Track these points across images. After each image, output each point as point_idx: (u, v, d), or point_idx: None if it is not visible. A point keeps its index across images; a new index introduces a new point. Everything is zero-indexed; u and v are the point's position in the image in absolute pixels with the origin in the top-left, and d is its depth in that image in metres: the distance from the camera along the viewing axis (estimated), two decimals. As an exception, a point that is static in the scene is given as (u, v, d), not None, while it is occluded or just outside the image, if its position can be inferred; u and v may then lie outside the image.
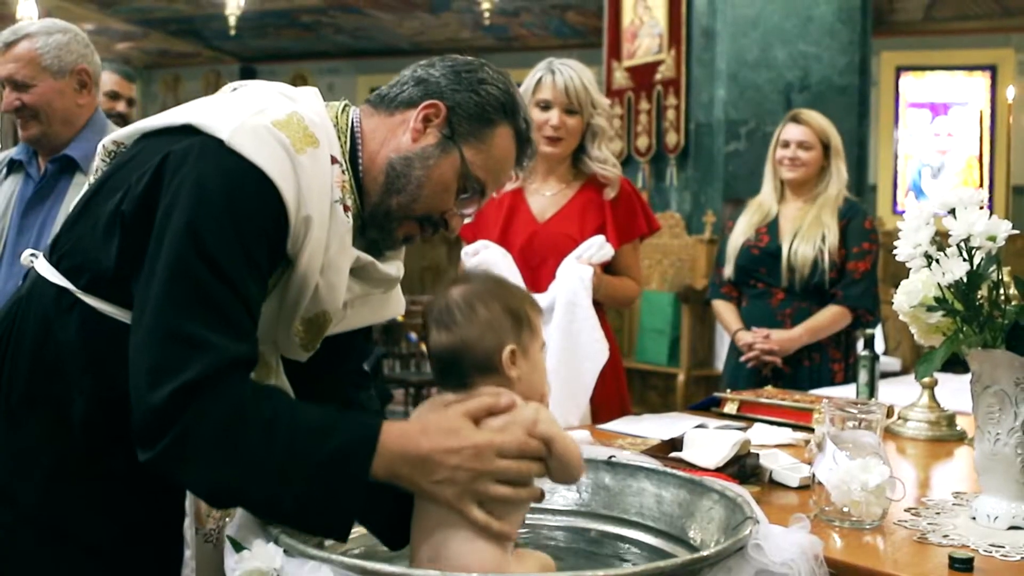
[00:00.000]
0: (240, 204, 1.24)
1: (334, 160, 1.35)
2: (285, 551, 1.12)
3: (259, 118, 1.29)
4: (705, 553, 1.13)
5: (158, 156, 1.28)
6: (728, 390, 2.62)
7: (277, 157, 1.26)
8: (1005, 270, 2.07)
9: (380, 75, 13.27)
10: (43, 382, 1.34)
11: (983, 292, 1.46)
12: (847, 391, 2.79)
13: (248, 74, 13.55)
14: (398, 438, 1.19)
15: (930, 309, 1.48)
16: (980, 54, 11.27)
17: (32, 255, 1.45)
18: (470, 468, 1.18)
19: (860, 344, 2.70)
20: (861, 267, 3.25)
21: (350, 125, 1.43)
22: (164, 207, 1.24)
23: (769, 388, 2.73)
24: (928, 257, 1.46)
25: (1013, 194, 10.95)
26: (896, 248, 1.52)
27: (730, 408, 2.47)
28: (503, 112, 1.42)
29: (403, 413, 7.42)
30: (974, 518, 1.55)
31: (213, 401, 1.16)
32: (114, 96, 3.81)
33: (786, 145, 3.31)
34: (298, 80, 13.43)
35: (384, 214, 1.41)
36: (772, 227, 3.33)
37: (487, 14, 8.25)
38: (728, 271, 3.39)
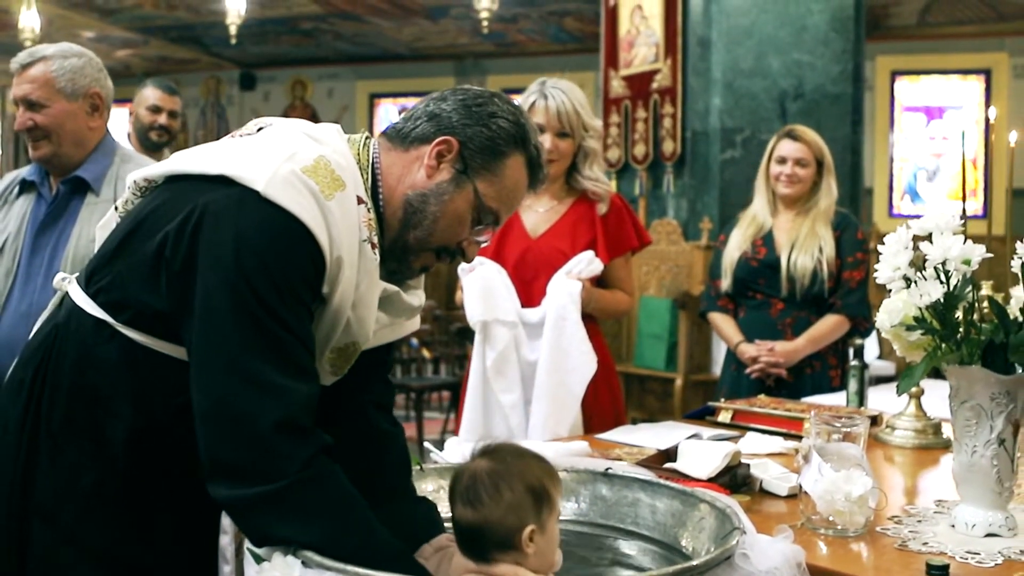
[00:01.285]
0: (283, 252, 1.31)
1: (360, 200, 1.41)
2: (303, 563, 1.19)
3: (289, 164, 1.35)
4: (695, 563, 1.21)
5: (194, 205, 1.34)
6: (722, 399, 2.69)
7: (309, 204, 1.33)
8: (987, 285, 2.15)
9: (379, 80, 13.35)
10: (83, 408, 1.41)
11: (960, 312, 1.54)
12: (840, 398, 2.87)
13: (248, 80, 13.61)
14: None
15: (909, 328, 1.56)
16: (974, 58, 11.35)
17: (64, 279, 1.51)
18: None
19: (851, 352, 2.78)
20: (856, 276, 3.33)
21: (371, 161, 1.48)
22: (211, 258, 1.31)
23: (762, 397, 2.80)
24: (907, 279, 1.54)
25: (1013, 197, 11.05)
26: (877, 269, 1.60)
27: (724, 417, 2.55)
28: (514, 143, 1.48)
29: (404, 417, 7.49)
30: (953, 526, 1.63)
31: (321, 475, 1.26)
32: (156, 110, 3.92)
33: (782, 161, 3.38)
34: (297, 86, 13.50)
35: (402, 248, 1.48)
36: (768, 239, 3.40)
37: (485, 22, 8.32)
38: (725, 284, 3.45)
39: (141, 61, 13.39)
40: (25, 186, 2.56)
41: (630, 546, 1.53)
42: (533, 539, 1.30)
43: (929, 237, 1.52)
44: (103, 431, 1.40)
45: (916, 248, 1.57)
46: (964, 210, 2.44)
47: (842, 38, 5.98)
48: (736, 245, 3.44)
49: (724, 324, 3.48)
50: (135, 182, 1.50)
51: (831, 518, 1.59)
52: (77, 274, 1.51)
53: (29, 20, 8.79)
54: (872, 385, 3.99)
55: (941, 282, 1.51)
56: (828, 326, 3.30)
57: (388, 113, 13.13)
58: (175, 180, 1.43)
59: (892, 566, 1.46)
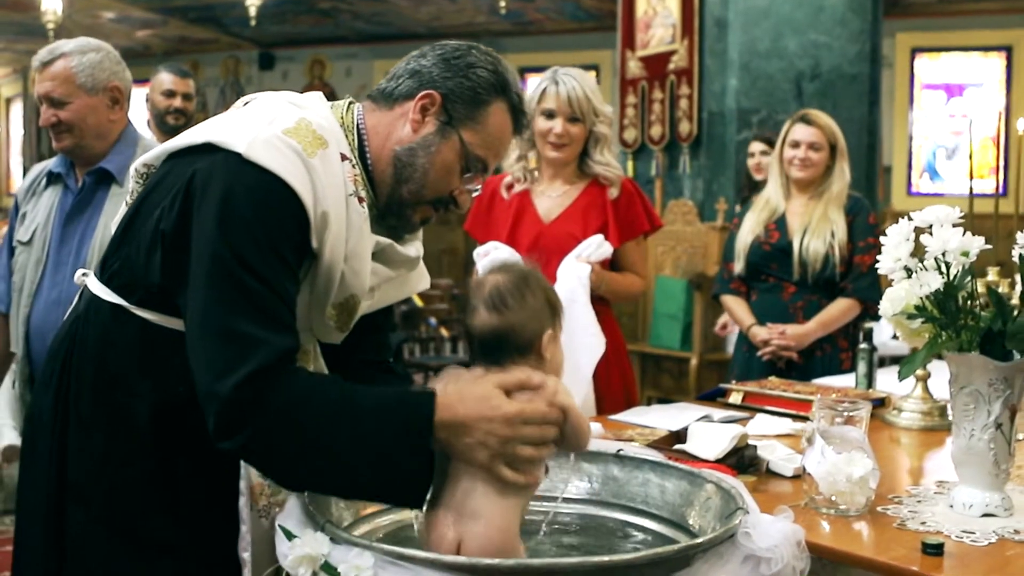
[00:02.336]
0: (265, 210, 1.37)
1: (344, 157, 1.47)
2: (331, 539, 1.27)
3: (270, 128, 1.41)
4: (699, 540, 1.28)
5: (186, 175, 1.41)
6: (733, 381, 2.76)
7: (291, 162, 1.39)
8: (994, 269, 2.20)
9: (397, 60, 13.31)
10: (108, 391, 1.48)
11: (959, 301, 1.60)
12: (849, 380, 2.92)
13: (267, 60, 13.68)
14: (441, 407, 1.33)
15: (910, 317, 1.62)
16: (995, 35, 11.26)
17: (84, 274, 1.59)
18: (501, 434, 1.31)
19: (861, 336, 2.83)
20: (868, 260, 3.37)
21: (355, 122, 1.54)
22: (198, 222, 1.37)
23: (773, 379, 2.87)
24: (908, 270, 1.60)
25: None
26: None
27: (735, 398, 2.62)
28: (494, 91, 1.53)
29: (423, 396, 7.59)
30: (952, 506, 1.69)
31: (278, 392, 1.30)
32: (170, 94, 3.99)
33: (796, 145, 3.42)
34: (316, 66, 13.56)
35: (398, 203, 1.54)
36: (781, 223, 3.45)
37: (503, 1, 8.34)
38: (739, 267, 3.50)
39: (160, 41, 13.47)
40: (52, 178, 2.63)
41: (640, 524, 1.60)
42: (550, 345, 1.39)
43: (929, 229, 1.58)
44: (127, 412, 1.46)
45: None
46: (971, 188, 2.47)
47: (859, 18, 5.98)
48: (749, 229, 3.49)
49: (736, 307, 3.54)
50: (136, 170, 1.58)
51: (833, 498, 1.65)
52: (95, 268, 1.58)
53: (51, 2, 8.87)
54: (887, 365, 4.05)
55: (941, 273, 1.57)
56: (839, 310, 3.35)
57: (406, 92, 13.17)
58: (170, 159, 1.50)
59: (890, 544, 1.53)
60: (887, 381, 2.83)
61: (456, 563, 1.20)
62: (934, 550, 1.45)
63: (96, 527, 1.48)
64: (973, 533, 1.56)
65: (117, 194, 2.50)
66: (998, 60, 11.39)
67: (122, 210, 1.60)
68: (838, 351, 3.41)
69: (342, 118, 1.54)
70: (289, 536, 1.31)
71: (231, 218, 1.35)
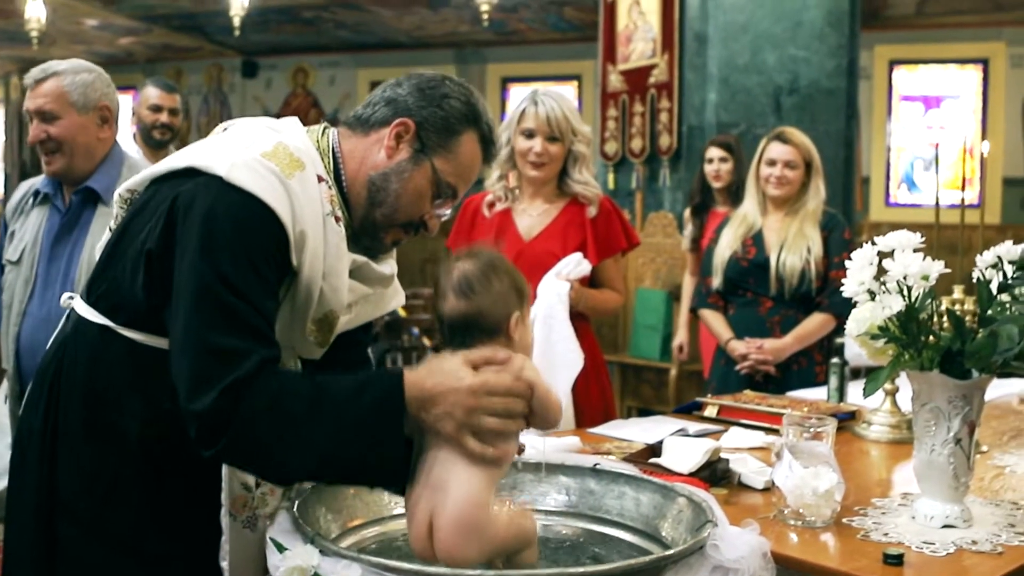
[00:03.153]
0: (245, 229, 1.43)
1: (320, 179, 1.55)
2: (321, 551, 1.33)
3: (249, 152, 1.49)
4: (669, 552, 1.35)
5: (169, 198, 1.47)
6: (709, 395, 2.83)
7: (270, 184, 1.46)
8: (959, 288, 2.28)
9: (380, 68, 13.39)
10: (96, 408, 1.53)
11: (920, 322, 1.67)
12: (824, 392, 3.00)
13: (250, 68, 13.69)
14: (410, 384, 1.40)
15: (874, 337, 1.70)
16: (972, 47, 11.43)
17: (70, 297, 1.65)
18: (465, 404, 1.38)
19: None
20: (843, 276, 3.44)
21: (331, 147, 1.62)
22: (181, 242, 1.44)
23: (748, 392, 2.94)
24: (871, 293, 1.68)
25: (1004, 186, 11.18)
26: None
27: (710, 412, 2.69)
28: (466, 121, 1.61)
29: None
30: (914, 517, 1.77)
31: (254, 397, 1.36)
32: (157, 109, 4.05)
33: (772, 163, 3.50)
34: (299, 74, 13.58)
35: (371, 225, 1.61)
36: (758, 239, 3.53)
37: (485, 12, 8.42)
38: (716, 282, 3.58)
39: (144, 49, 13.47)
40: (40, 197, 2.69)
41: (616, 536, 1.66)
42: (517, 326, 1.47)
43: (892, 254, 1.65)
44: (116, 429, 1.52)
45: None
46: (938, 199, 2.56)
47: (837, 33, 6.08)
48: (727, 244, 3.57)
49: (714, 321, 3.62)
50: (119, 195, 1.64)
51: (800, 510, 1.73)
52: (81, 291, 1.63)
53: (35, 10, 8.87)
54: (863, 376, 4.13)
55: (903, 295, 1.65)
56: (815, 324, 3.43)
57: (389, 100, 13.21)
58: (153, 184, 1.57)
59: (853, 555, 1.60)
60: (859, 394, 2.90)
61: (439, 573, 1.27)
62: (894, 560, 1.53)
63: (88, 540, 1.53)
64: (933, 544, 1.63)
65: (104, 214, 2.56)
66: (975, 72, 11.56)
67: (106, 235, 1.66)
68: (813, 364, 3.49)
69: (317, 142, 1.61)
70: (280, 548, 1.37)
71: (213, 238, 1.41)
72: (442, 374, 1.40)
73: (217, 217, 1.42)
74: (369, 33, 12.44)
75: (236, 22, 8.41)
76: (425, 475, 1.43)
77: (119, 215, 1.65)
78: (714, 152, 4.71)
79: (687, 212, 4.90)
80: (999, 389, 2.94)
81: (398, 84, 1.63)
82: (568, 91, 12.68)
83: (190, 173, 1.49)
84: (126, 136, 2.96)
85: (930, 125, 11.74)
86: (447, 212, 1.66)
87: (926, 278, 1.63)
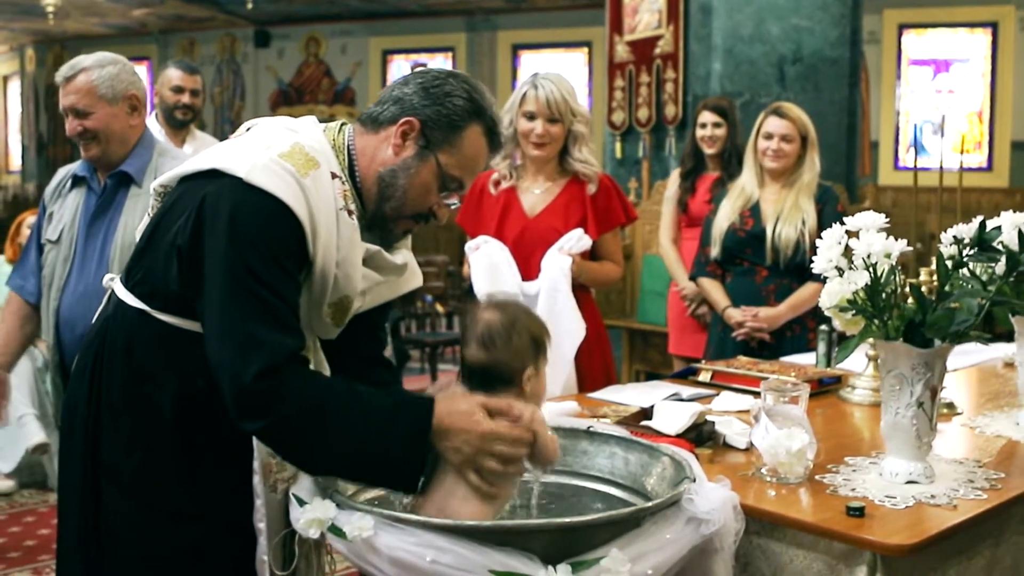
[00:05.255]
0: (267, 227, 1.59)
1: (334, 176, 1.69)
2: (338, 505, 1.51)
3: (267, 153, 1.63)
4: (648, 504, 1.52)
5: (197, 198, 1.63)
6: (704, 360, 2.99)
7: (286, 183, 1.61)
8: (925, 271, 2.42)
9: (391, 37, 13.49)
10: (135, 383, 1.71)
11: (884, 296, 1.82)
12: (813, 359, 3.15)
13: (262, 38, 13.79)
14: (436, 415, 1.55)
15: (843, 309, 1.85)
16: (982, 11, 11.43)
17: (111, 279, 1.82)
18: (474, 445, 1.55)
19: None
20: None
21: (346, 144, 1.76)
22: (211, 240, 1.59)
23: (741, 358, 3.10)
24: (839, 269, 1.83)
25: (1012, 150, 11.21)
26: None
27: (704, 377, 2.84)
28: (469, 116, 1.73)
29: (419, 370, 7.82)
30: (881, 475, 1.92)
31: (296, 386, 1.53)
32: (179, 90, 4.20)
33: (769, 137, 3.64)
34: (311, 43, 13.68)
35: (382, 218, 1.76)
36: (755, 210, 3.67)
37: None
38: (715, 251, 3.74)
39: (157, 20, 13.58)
40: (76, 181, 2.87)
41: (605, 491, 1.83)
42: (530, 379, 1.64)
43: (857, 234, 1.80)
44: (152, 402, 1.69)
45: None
46: (942, 167, 2.67)
47: (840, 2, 6.16)
48: (725, 216, 3.71)
49: (712, 289, 3.77)
50: (154, 189, 1.81)
51: (776, 468, 1.88)
52: (120, 274, 1.81)
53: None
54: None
55: (868, 271, 1.79)
56: (808, 293, 3.58)
57: (401, 69, 13.31)
58: (183, 182, 1.72)
59: (821, 507, 1.76)
60: (848, 358, 3.05)
61: (441, 524, 1.44)
62: (856, 512, 1.68)
63: (127, 500, 1.71)
64: (894, 498, 1.79)
65: (136, 194, 2.73)
66: (984, 36, 11.57)
67: (144, 222, 1.82)
68: (807, 331, 3.64)
69: (334, 139, 1.76)
70: (301, 503, 1.54)
71: (239, 236, 1.57)
72: (460, 415, 1.56)
73: (242, 217, 1.58)
74: (380, 2, 12.51)
75: (249, -6, 8.50)
76: (431, 492, 1.60)
77: (154, 206, 1.81)
78: (707, 117, 4.48)
79: (675, 172, 4.74)
80: (985, 353, 3.07)
81: (405, 83, 1.77)
82: (578, 58, 12.74)
83: (213, 174, 1.64)
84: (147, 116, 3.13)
85: (939, 89, 11.78)
86: (455, 202, 1.79)
87: (888, 255, 1.77)
